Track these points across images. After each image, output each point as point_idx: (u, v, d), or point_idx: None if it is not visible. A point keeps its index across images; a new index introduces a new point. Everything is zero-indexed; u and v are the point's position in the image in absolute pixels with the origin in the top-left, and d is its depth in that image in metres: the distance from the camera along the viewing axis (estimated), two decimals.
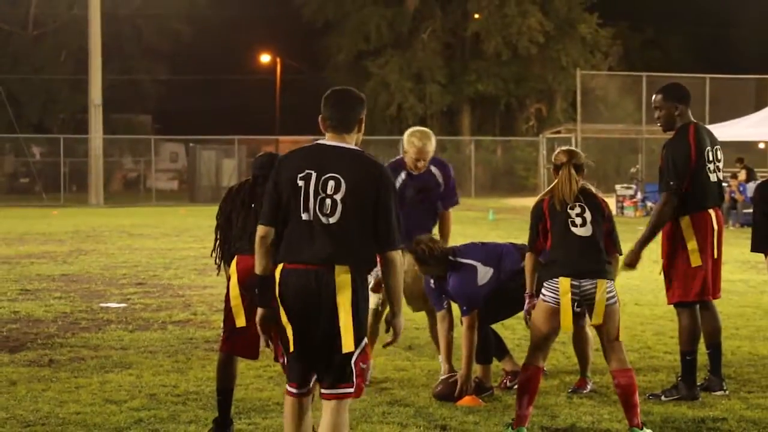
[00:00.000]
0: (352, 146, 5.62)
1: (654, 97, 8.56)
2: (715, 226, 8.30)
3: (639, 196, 35.91)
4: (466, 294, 8.27)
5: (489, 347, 8.54)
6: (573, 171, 7.29)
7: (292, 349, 5.52)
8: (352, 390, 5.49)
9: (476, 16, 60.07)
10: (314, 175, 5.44)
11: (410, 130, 9.10)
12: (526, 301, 7.48)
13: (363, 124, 5.66)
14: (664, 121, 8.45)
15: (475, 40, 60.69)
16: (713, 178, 8.34)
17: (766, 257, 7.26)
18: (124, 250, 21.68)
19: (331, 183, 5.43)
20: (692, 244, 8.19)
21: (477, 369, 8.45)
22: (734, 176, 30.16)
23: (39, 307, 12.99)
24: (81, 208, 43.61)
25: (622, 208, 35.69)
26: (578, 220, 7.19)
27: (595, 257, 7.16)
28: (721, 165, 8.48)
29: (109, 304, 13.27)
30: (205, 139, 52.14)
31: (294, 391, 5.63)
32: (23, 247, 22.38)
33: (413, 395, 8.31)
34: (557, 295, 7.07)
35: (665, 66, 55.28)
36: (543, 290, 7.19)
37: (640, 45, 67.25)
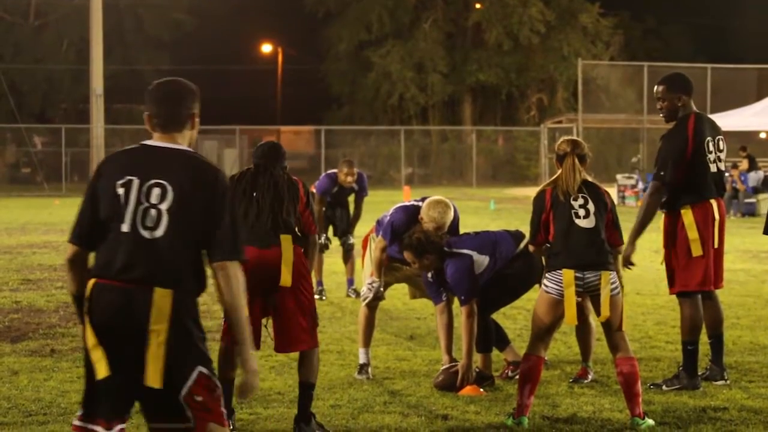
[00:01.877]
0: (184, 147, 4.77)
1: (656, 88, 8.52)
2: (717, 216, 8.29)
3: (640, 185, 35.86)
4: (463, 284, 8.28)
5: (489, 336, 8.56)
6: (576, 161, 7.29)
7: (104, 374, 4.58)
8: (189, 425, 4.59)
9: (477, 5, 60.04)
10: (136, 182, 4.63)
11: (429, 202, 8.64)
12: None
13: (197, 121, 4.84)
14: (667, 112, 8.43)
15: (477, 29, 60.62)
16: (713, 168, 8.33)
17: None
18: None
19: (156, 191, 4.62)
20: (693, 234, 8.19)
21: (477, 358, 8.47)
22: (735, 166, 30.14)
23: (41, 297, 13.01)
24: (82, 198, 43.55)
25: (623, 197, 35.69)
26: (581, 212, 7.18)
27: (599, 249, 7.16)
28: (723, 155, 8.47)
29: None
30: (206, 129, 52.10)
31: (99, 429, 4.63)
32: (25, 237, 22.39)
33: (414, 385, 8.32)
34: (560, 286, 7.07)
35: (666, 56, 55.29)
36: (545, 281, 7.19)
37: (641, 35, 67.14)
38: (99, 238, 4.69)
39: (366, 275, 9.11)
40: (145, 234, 4.59)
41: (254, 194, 7.02)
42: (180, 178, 4.63)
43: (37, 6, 60.72)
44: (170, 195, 4.61)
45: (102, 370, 4.59)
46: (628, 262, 8.11)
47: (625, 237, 7.54)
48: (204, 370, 4.67)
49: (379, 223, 8.96)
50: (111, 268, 4.60)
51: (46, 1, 59.84)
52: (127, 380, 4.59)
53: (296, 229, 7.07)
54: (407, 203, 9.05)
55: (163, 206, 4.60)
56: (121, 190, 4.64)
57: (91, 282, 4.66)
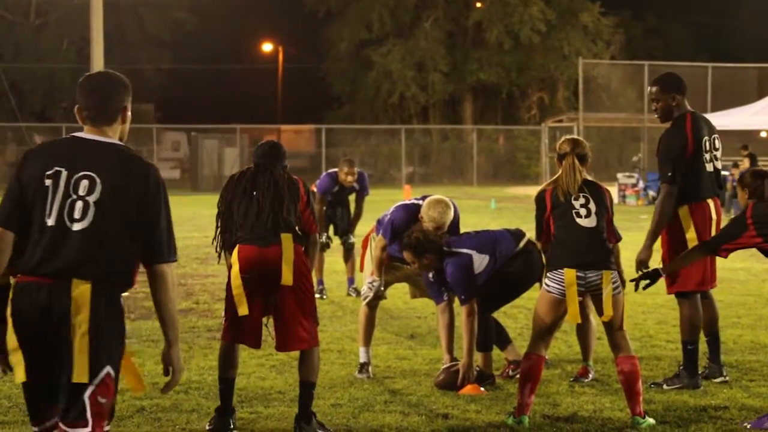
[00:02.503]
0: (115, 140, 4.71)
1: (650, 88, 8.54)
2: (714, 216, 8.29)
3: (641, 184, 35.89)
4: (463, 283, 8.28)
5: (489, 335, 8.56)
6: (577, 161, 7.27)
7: (22, 379, 4.51)
8: (86, 430, 4.47)
9: (478, 5, 60.02)
10: (64, 173, 4.55)
11: (429, 201, 8.62)
12: None
13: (128, 114, 4.81)
14: (662, 113, 8.44)
15: (477, 28, 60.60)
16: (710, 167, 8.33)
17: None
18: None
19: (85, 183, 4.53)
20: (691, 234, 8.19)
21: (478, 357, 8.46)
22: (736, 165, 30.11)
23: None
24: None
25: (624, 196, 35.70)
26: (583, 211, 7.17)
27: (600, 248, 7.16)
28: (719, 154, 8.47)
29: None
30: (207, 128, 52.12)
31: (35, 430, 4.62)
32: None
33: (415, 384, 8.32)
34: (562, 286, 7.07)
35: (667, 55, 55.25)
36: (547, 280, 7.19)
37: (642, 34, 67.14)
38: (23, 225, 4.60)
39: (366, 274, 9.10)
40: (70, 225, 4.52)
41: (254, 193, 7.01)
42: (109, 171, 4.57)
43: (37, 5, 60.72)
44: (98, 187, 4.54)
45: (20, 375, 4.52)
46: (643, 266, 8.08)
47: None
48: (111, 371, 4.58)
49: (379, 222, 8.96)
50: (32, 263, 4.52)
51: (47, 0, 59.85)
52: (53, 378, 4.50)
53: (297, 228, 7.07)
54: (408, 202, 9.04)
55: (91, 198, 4.53)
56: (48, 182, 4.57)
57: (14, 281, 4.59)
